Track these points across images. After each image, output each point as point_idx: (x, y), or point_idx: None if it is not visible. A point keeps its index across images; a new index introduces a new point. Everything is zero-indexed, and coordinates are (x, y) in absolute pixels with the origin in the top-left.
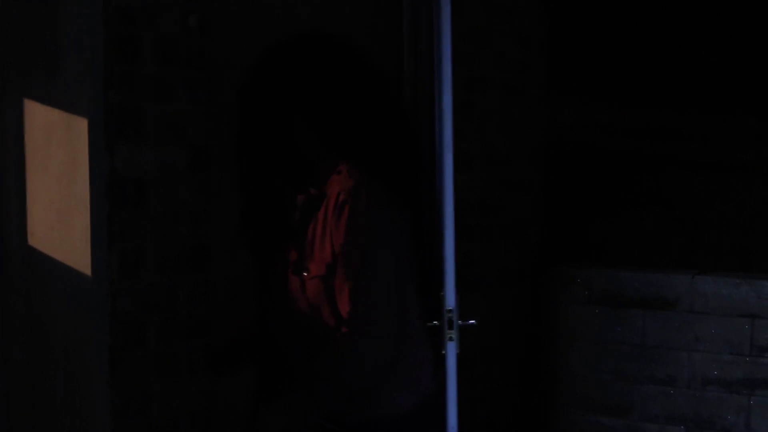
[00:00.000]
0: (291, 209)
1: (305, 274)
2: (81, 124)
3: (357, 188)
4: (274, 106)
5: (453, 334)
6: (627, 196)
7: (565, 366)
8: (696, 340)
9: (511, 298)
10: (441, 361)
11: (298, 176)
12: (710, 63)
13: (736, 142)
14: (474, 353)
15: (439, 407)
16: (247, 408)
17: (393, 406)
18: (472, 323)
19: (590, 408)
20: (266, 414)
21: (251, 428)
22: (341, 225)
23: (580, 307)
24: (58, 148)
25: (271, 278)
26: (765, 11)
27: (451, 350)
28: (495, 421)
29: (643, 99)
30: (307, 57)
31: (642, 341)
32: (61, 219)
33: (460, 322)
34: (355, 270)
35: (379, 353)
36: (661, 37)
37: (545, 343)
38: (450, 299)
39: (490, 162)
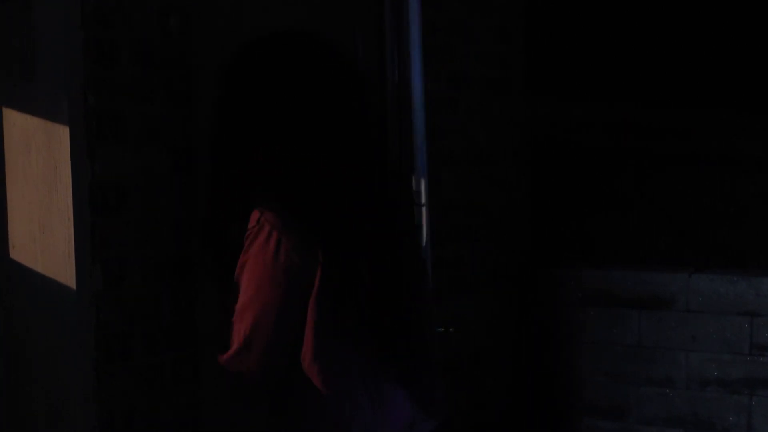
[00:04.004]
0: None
1: None
2: (61, 131)
3: (266, 226)
4: (242, 106)
5: None
6: (613, 193)
7: (559, 368)
8: (693, 340)
9: (500, 299)
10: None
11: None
12: (688, 58)
13: (718, 135)
14: (463, 356)
15: None
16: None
17: None
18: None
19: (585, 411)
20: None
21: None
22: (245, 247)
23: (573, 308)
24: (38, 157)
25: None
26: (740, 5)
27: None
28: (486, 425)
29: (623, 95)
30: (279, 56)
31: (638, 342)
32: (42, 229)
33: None
34: (238, 306)
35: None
36: (639, 33)
37: (538, 345)
38: None
39: (476, 160)
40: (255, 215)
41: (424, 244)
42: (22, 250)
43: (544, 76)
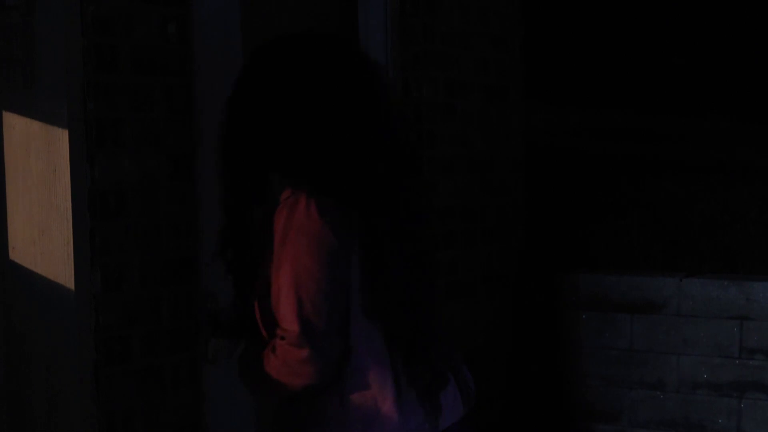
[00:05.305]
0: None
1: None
2: (60, 136)
3: (299, 193)
4: (260, 112)
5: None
6: (608, 199)
7: (553, 372)
8: (684, 344)
9: (495, 303)
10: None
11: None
12: (683, 67)
13: (713, 143)
14: None
15: None
16: None
17: None
18: None
19: (579, 414)
20: None
21: None
22: (278, 229)
23: (567, 312)
24: (37, 161)
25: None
26: (733, 17)
27: None
28: (481, 428)
29: (618, 103)
30: (297, 58)
31: (630, 346)
32: (42, 232)
33: None
34: (289, 278)
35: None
36: (637, 41)
37: (532, 349)
38: None
39: (472, 167)
40: (286, 193)
41: None
42: (22, 252)
43: (541, 83)
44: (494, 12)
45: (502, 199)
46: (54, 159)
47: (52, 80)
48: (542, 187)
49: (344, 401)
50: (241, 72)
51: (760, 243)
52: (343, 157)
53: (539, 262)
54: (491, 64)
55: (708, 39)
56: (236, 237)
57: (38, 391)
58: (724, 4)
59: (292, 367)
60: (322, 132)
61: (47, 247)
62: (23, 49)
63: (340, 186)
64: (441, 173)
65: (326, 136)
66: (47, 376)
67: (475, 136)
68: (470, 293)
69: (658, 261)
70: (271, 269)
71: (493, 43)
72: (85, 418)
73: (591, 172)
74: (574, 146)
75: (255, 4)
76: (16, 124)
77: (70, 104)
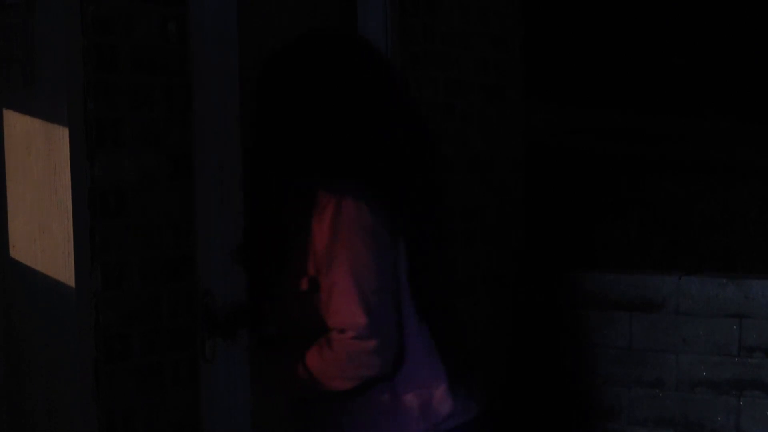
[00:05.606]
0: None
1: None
2: (61, 134)
3: (344, 190)
4: (281, 111)
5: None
6: (608, 199)
7: (551, 371)
8: (683, 342)
9: (494, 302)
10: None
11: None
12: (683, 67)
13: (713, 143)
14: None
15: None
16: None
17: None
18: None
19: (578, 413)
20: None
21: None
22: (324, 226)
23: (566, 311)
24: (37, 159)
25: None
26: (733, 17)
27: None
28: None
29: (618, 103)
30: (316, 57)
31: (629, 344)
32: (42, 230)
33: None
34: (346, 274)
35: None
36: (637, 41)
37: (531, 347)
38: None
39: (472, 166)
40: (325, 192)
41: None
42: (23, 250)
43: (541, 83)
44: (494, 12)
45: (502, 198)
46: (54, 158)
47: (52, 80)
48: (542, 187)
49: (396, 392)
50: (268, 75)
51: (760, 243)
52: (385, 155)
53: (539, 262)
54: (491, 64)
55: (708, 39)
56: (263, 237)
57: (38, 389)
58: (724, 4)
59: (356, 359)
60: (365, 131)
61: (47, 245)
62: (23, 49)
63: (385, 183)
64: (441, 173)
65: (369, 135)
66: (47, 373)
67: (475, 136)
68: (470, 293)
69: (657, 260)
70: (310, 266)
71: (493, 43)
72: (85, 416)
73: (591, 172)
74: (574, 146)
75: (254, 4)
76: (17, 123)
77: (70, 104)
